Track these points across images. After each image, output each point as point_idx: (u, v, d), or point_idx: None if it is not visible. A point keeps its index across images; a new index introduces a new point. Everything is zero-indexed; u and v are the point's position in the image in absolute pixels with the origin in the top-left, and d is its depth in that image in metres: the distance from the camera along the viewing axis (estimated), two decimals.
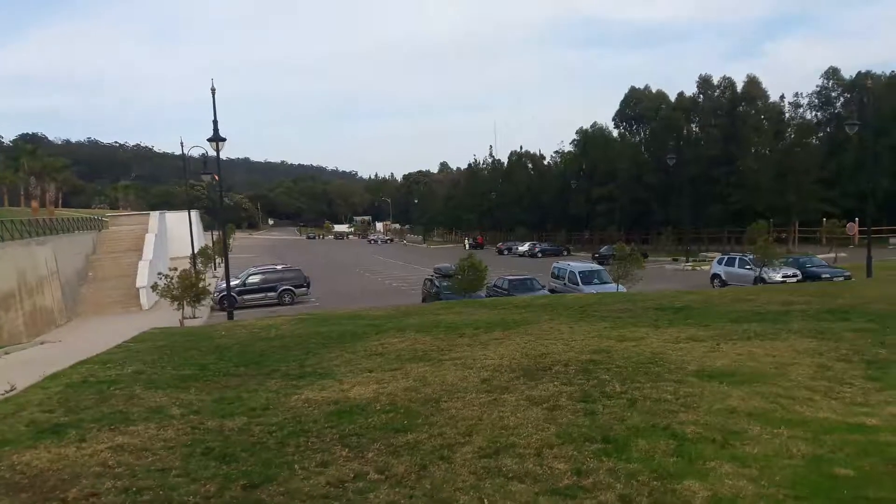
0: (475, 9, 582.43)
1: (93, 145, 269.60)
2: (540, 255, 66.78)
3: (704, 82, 68.07)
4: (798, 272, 30.90)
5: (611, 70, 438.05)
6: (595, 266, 31.45)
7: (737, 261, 32.89)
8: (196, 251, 45.89)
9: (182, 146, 44.15)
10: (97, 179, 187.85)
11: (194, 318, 31.01)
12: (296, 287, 37.61)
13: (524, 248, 72.27)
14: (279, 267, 41.39)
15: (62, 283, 32.73)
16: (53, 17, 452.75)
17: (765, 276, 30.57)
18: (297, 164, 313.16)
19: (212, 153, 26.45)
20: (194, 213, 78.70)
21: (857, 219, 49.67)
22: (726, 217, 57.09)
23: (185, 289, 28.18)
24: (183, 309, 28.32)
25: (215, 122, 23.62)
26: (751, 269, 31.27)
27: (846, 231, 47.46)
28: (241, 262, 65.40)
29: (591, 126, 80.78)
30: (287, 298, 37.00)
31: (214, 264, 61.16)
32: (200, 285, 28.20)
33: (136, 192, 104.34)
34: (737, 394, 7.54)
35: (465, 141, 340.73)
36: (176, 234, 76.37)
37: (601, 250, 58.94)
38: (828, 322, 12.28)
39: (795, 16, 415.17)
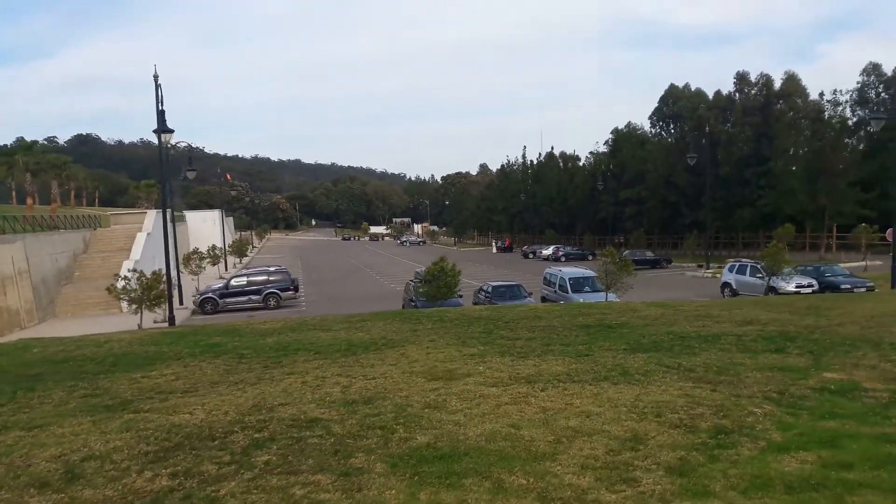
0: (529, 10, 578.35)
1: (145, 146, 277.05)
2: (564, 258, 64.11)
3: (741, 79, 63.99)
4: (814, 282, 27.75)
5: (661, 72, 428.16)
6: (588, 273, 28.86)
7: (748, 269, 29.83)
8: (189, 252, 44.77)
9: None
10: (146, 179, 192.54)
11: (165, 321, 29.78)
12: (282, 290, 36.09)
13: (548, 251, 69.74)
14: (272, 269, 39.98)
15: (34, 282, 31.79)
16: (107, 21, 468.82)
17: (775, 285, 27.52)
18: (346, 165, 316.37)
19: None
20: (217, 214, 79.09)
21: None
22: (756, 221, 53.30)
23: (145, 290, 26.79)
24: (142, 312, 26.91)
25: (161, 112, 22.08)
26: (762, 277, 28.21)
27: (887, 237, 43.58)
28: (267, 263, 64.69)
29: (626, 126, 77.78)
30: (272, 302, 35.58)
31: (226, 264, 60.54)
32: (160, 288, 26.62)
33: (159, 191, 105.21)
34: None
35: (514, 143, 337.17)
36: (201, 233, 76.90)
37: (623, 255, 55.83)
38: (749, 354, 9.77)
39: (849, 16, 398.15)
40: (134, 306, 27.09)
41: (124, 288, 26.55)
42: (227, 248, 65.55)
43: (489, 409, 7.18)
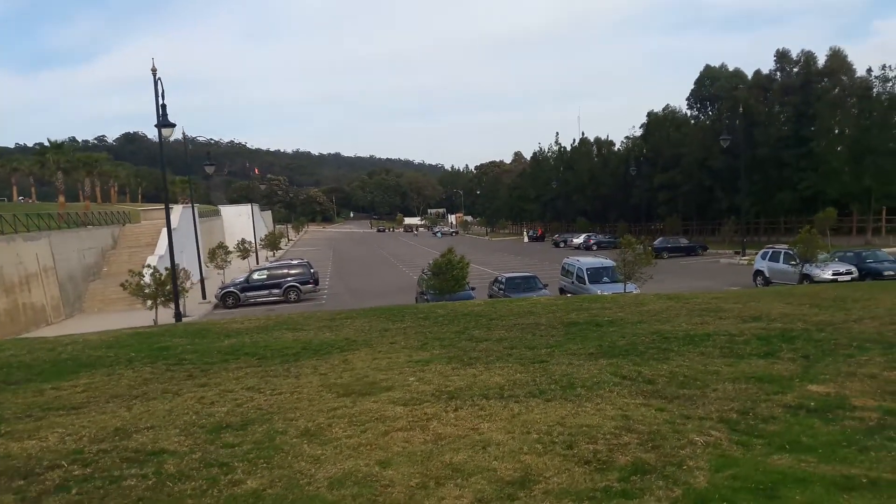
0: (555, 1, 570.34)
1: (189, 141, 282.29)
2: (595, 247, 62.62)
3: (782, 57, 61.31)
4: (853, 269, 26.18)
5: (701, 55, 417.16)
6: (606, 262, 27.79)
7: (781, 255, 28.29)
8: (214, 246, 44.93)
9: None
10: (191, 175, 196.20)
11: (185, 316, 29.82)
12: (302, 284, 35.95)
13: (579, 240, 68.43)
14: (294, 262, 39.87)
15: (60, 279, 32.16)
16: (150, 21, 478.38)
17: (810, 273, 26.06)
18: (384, 158, 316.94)
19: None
20: (249, 207, 79.67)
21: None
22: (797, 204, 51.05)
23: (159, 286, 26.79)
24: (156, 308, 26.92)
25: (163, 107, 21.83)
26: (796, 264, 26.75)
27: None
28: (298, 255, 64.88)
29: (663, 109, 75.53)
30: (292, 296, 35.48)
31: (258, 257, 60.83)
32: (169, 286, 26.51)
33: (192, 186, 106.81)
34: None
35: (551, 132, 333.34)
36: (236, 227, 77.68)
37: (655, 243, 54.22)
38: (731, 360, 8.68)
39: None
40: (149, 302, 27.18)
41: (138, 284, 26.57)
42: (259, 241, 65.84)
43: (373, 437, 6.31)
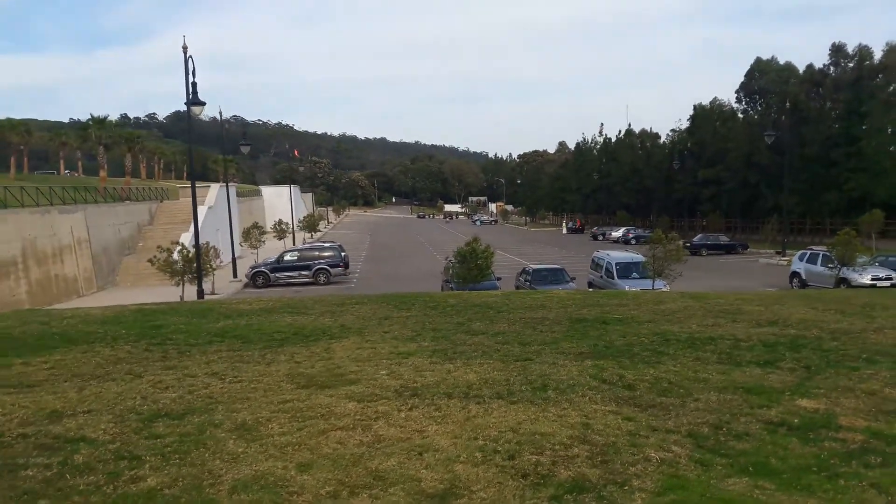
0: None
1: (239, 122, 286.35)
2: (634, 241, 61.49)
3: (837, 51, 58.77)
4: (893, 274, 25.04)
5: (755, 48, 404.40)
6: (637, 257, 27.06)
7: (820, 257, 27.21)
8: (249, 226, 45.42)
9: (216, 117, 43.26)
10: (237, 155, 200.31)
11: (213, 294, 30.29)
12: (332, 266, 36.13)
13: (618, 233, 67.40)
14: (326, 244, 40.11)
15: (94, 252, 32.94)
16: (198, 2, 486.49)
17: (848, 276, 24.98)
18: (429, 144, 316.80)
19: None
20: (288, 189, 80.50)
21: None
22: (843, 205, 49.09)
23: (186, 263, 27.22)
24: (183, 285, 27.35)
25: (193, 85, 22.00)
26: (833, 267, 25.68)
27: None
28: (336, 238, 65.57)
29: (711, 102, 73.34)
30: (322, 278, 35.71)
31: (294, 238, 61.42)
32: (195, 264, 26.88)
33: (237, 166, 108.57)
34: None
35: (598, 122, 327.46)
36: (277, 208, 78.61)
37: (694, 240, 53.00)
38: (726, 367, 8.17)
39: None
40: (176, 278, 27.62)
41: (166, 261, 26.99)
42: (297, 223, 66.47)
43: (307, 436, 6.00)
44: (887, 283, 24.48)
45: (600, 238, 70.16)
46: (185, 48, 21.20)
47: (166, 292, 29.79)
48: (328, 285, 34.93)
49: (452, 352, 9.48)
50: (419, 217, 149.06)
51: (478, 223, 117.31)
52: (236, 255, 41.24)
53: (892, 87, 49.31)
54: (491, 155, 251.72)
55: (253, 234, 43.35)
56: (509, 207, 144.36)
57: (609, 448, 5.52)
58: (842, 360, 8.49)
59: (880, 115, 46.85)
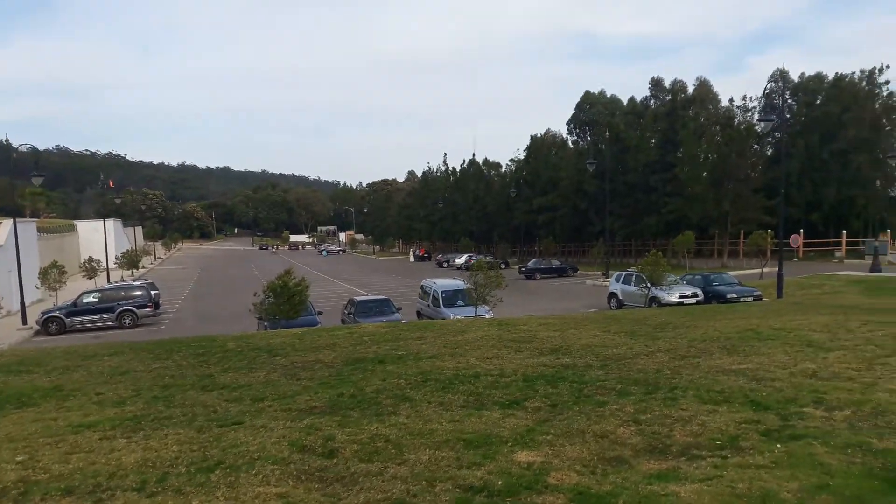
0: (460, 24, 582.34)
1: (61, 153, 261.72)
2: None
3: (656, 85, 63.68)
4: (699, 292, 26.19)
5: (591, 82, 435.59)
6: (462, 284, 26.49)
7: (633, 278, 28.06)
8: (46, 265, 40.28)
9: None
10: (60, 188, 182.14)
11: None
12: (139, 308, 32.51)
13: (461, 260, 67.75)
14: (136, 283, 36.32)
15: None
16: (25, 25, 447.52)
17: (658, 295, 25.84)
18: (277, 173, 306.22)
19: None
20: (102, 223, 73.70)
21: (801, 231, 45.44)
22: (661, 228, 52.46)
23: None
24: None
25: None
26: (644, 287, 26.50)
27: (790, 243, 43.20)
28: (162, 274, 60.33)
29: (545, 132, 76.64)
30: (127, 320, 31.99)
31: (108, 277, 55.68)
32: None
33: (47, 199, 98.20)
34: None
35: (448, 152, 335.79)
36: (96, 244, 71.36)
37: (528, 264, 54.43)
38: (469, 411, 7.27)
39: (778, 31, 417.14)
40: None
41: None
42: (114, 260, 60.58)
43: None
44: (693, 301, 25.55)
45: (445, 265, 70.48)
46: None
47: None
48: (134, 328, 31.42)
49: (153, 418, 7.71)
50: (262, 248, 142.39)
51: (324, 253, 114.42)
52: (32, 300, 36.22)
53: (702, 119, 53.66)
54: (350, 184, 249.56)
55: (51, 274, 38.35)
56: (359, 237, 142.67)
57: None
58: (593, 395, 7.82)
59: (692, 144, 50.62)
